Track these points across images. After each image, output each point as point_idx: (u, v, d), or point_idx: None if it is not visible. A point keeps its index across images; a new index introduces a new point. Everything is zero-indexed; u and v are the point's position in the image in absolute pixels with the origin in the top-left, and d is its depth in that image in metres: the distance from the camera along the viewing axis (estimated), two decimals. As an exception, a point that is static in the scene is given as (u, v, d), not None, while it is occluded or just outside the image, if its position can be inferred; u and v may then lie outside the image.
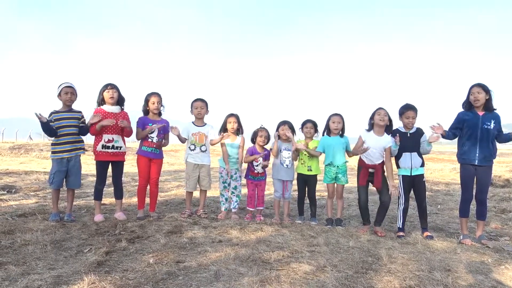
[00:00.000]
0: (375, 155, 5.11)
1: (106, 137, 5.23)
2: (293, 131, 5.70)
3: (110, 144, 5.25)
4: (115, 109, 5.34)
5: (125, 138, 5.46)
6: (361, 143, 5.12)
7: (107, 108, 5.28)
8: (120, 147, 5.34)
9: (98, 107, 5.31)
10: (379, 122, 5.11)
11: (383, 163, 5.16)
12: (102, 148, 5.23)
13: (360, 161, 5.24)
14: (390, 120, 5.16)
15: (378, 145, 5.10)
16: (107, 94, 5.27)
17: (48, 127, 5.00)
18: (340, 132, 5.53)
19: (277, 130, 5.72)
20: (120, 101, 5.40)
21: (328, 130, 5.58)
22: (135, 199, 6.90)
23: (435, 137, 4.86)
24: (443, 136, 4.89)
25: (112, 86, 5.31)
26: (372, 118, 5.21)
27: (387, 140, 5.10)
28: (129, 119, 5.44)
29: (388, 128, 5.19)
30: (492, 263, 3.83)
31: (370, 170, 5.13)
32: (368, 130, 5.23)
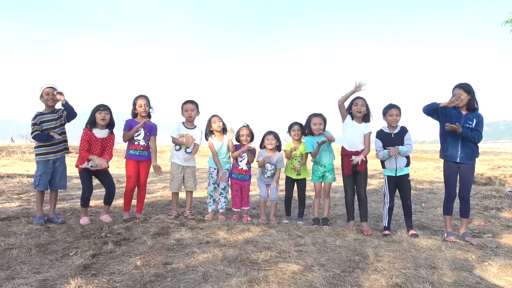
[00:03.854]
0: (355, 142, 5.18)
1: (90, 163, 5.13)
2: (278, 140, 5.74)
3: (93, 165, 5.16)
4: (104, 133, 5.27)
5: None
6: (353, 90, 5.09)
7: (97, 132, 5.20)
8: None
9: (87, 129, 5.19)
10: (356, 114, 5.20)
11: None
12: (86, 164, 5.14)
13: (343, 150, 5.26)
14: (367, 109, 5.23)
15: (358, 132, 5.19)
16: (99, 116, 5.19)
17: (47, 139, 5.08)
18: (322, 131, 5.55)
19: (262, 140, 5.76)
20: (110, 124, 5.33)
21: (310, 131, 5.60)
22: (120, 201, 6.84)
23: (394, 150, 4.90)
24: (437, 106, 4.81)
25: (105, 108, 5.23)
26: (350, 108, 5.25)
27: (365, 128, 5.21)
28: (113, 143, 5.40)
29: (366, 117, 5.25)
30: (475, 259, 3.90)
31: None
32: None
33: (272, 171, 5.70)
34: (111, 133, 5.37)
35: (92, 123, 5.22)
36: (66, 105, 5.14)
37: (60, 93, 5.08)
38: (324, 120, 5.54)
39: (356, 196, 5.26)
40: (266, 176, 5.71)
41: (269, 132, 5.77)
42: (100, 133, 5.23)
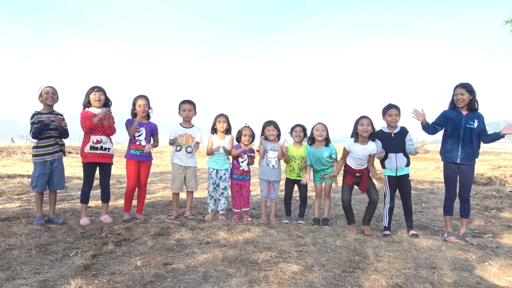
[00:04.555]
0: (361, 162, 5.12)
1: (94, 138, 5.17)
2: (278, 130, 5.74)
3: (98, 145, 5.19)
4: (101, 111, 5.27)
5: (112, 141, 5.41)
6: (343, 162, 5.23)
7: (94, 110, 5.21)
8: (109, 149, 5.29)
9: (84, 110, 5.24)
10: (362, 134, 5.03)
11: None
12: (90, 150, 5.16)
13: (347, 167, 5.24)
14: (373, 129, 5.09)
15: (364, 153, 5.07)
16: (93, 97, 5.21)
17: (42, 130, 5.03)
18: (325, 141, 5.54)
19: (262, 130, 5.75)
20: (106, 103, 5.34)
21: (312, 139, 5.60)
22: (120, 202, 6.84)
23: (423, 149, 4.92)
24: (423, 126, 4.96)
25: (99, 89, 5.24)
26: (355, 128, 5.11)
27: (372, 148, 5.08)
28: (114, 121, 5.38)
29: (372, 135, 5.11)
30: (476, 260, 3.90)
31: (357, 174, 5.17)
32: (354, 141, 5.11)
33: (276, 159, 5.70)
34: (110, 112, 5.36)
35: (87, 104, 5.25)
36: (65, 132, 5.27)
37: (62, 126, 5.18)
38: (326, 128, 5.55)
39: (368, 199, 5.26)
40: (271, 165, 5.69)
41: (269, 123, 5.75)
42: (97, 111, 5.21)
